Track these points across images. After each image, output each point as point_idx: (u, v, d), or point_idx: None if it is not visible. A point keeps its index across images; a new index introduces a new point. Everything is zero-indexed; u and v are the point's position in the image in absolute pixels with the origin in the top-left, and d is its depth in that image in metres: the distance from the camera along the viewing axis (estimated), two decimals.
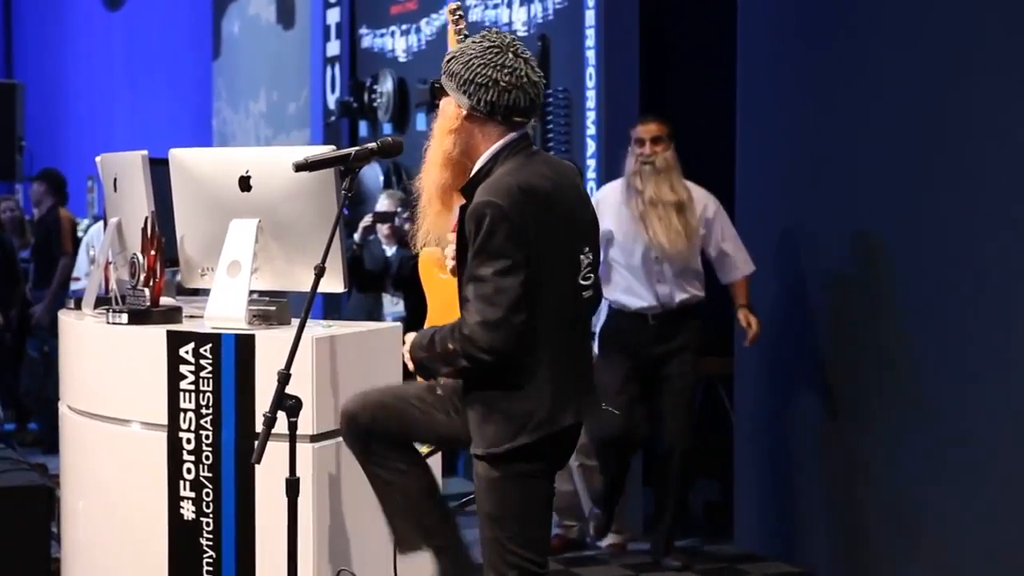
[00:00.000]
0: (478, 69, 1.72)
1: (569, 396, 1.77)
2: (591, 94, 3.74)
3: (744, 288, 3.18)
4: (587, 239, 1.84)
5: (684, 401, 3.18)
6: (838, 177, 3.13)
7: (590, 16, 3.64)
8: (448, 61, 1.80)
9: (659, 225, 2.96)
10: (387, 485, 1.88)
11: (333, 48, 5.55)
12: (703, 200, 3.15)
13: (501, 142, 1.76)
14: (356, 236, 3.86)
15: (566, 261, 1.78)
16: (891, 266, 2.97)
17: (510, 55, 1.74)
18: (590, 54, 3.72)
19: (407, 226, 3.90)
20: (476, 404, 1.77)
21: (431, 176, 1.85)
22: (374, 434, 1.86)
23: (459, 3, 2.21)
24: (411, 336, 1.87)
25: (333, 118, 5.52)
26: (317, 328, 2.12)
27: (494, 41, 1.76)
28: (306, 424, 1.88)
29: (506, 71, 1.72)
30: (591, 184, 3.63)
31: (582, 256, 1.81)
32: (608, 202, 3.13)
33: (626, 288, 3.13)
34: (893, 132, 2.97)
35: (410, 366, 1.86)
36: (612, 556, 3.32)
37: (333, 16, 5.52)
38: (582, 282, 1.81)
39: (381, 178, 4.79)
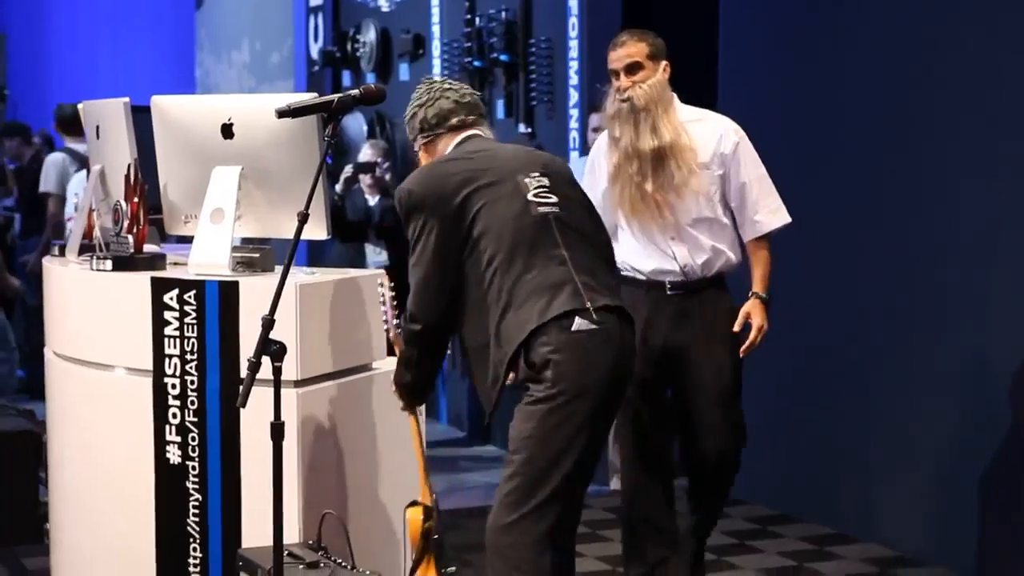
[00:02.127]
0: (408, 112, 2.10)
1: (560, 292, 1.86)
2: (574, 44, 3.74)
3: (762, 260, 2.40)
4: (533, 167, 1.99)
5: (726, 382, 2.38)
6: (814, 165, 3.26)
7: None
8: (413, 115, 2.09)
9: (627, 186, 2.30)
10: None
11: None
12: (717, 131, 2.38)
13: (449, 147, 2.03)
14: (338, 187, 3.87)
15: (507, 194, 1.91)
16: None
17: (423, 87, 2.09)
18: (572, 3, 3.74)
19: (388, 176, 3.99)
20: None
21: None
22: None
23: None
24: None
25: (316, 68, 5.54)
26: (300, 274, 2.13)
27: (429, 86, 2.10)
28: (290, 369, 1.90)
29: (419, 97, 2.07)
30: (573, 134, 3.64)
31: (527, 179, 1.94)
32: (599, 160, 2.47)
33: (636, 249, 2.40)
34: (860, 131, 3.16)
35: (401, 403, 2.05)
36: None
37: None
38: (534, 199, 1.92)
39: (365, 128, 4.82)
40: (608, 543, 3.15)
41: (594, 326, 1.84)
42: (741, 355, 2.34)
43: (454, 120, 2.03)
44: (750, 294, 2.37)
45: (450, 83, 2.13)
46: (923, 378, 3.01)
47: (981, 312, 2.85)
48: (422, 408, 2.12)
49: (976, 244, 2.84)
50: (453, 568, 2.01)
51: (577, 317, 1.83)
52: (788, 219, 2.41)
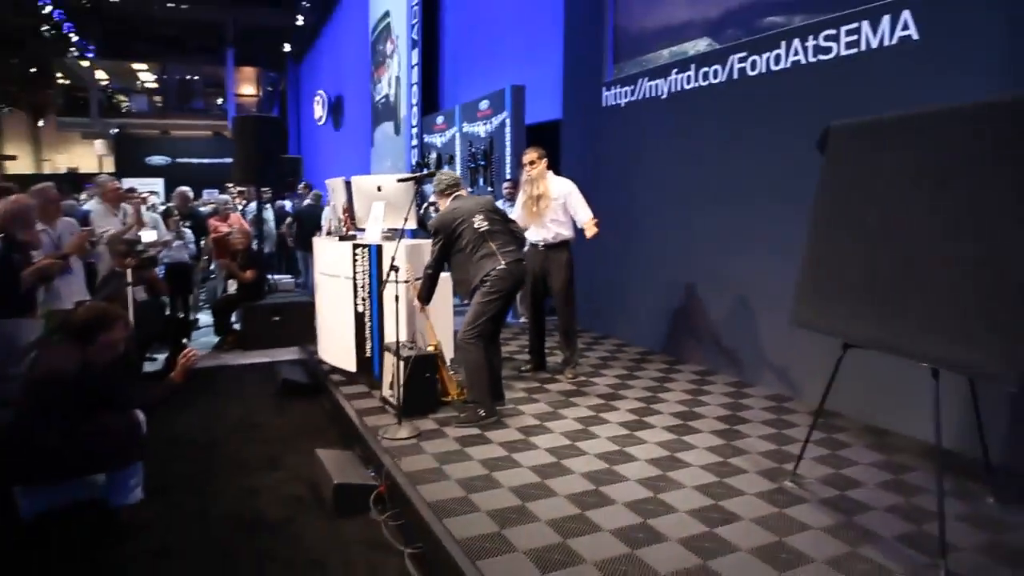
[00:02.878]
0: (435, 182, 5.08)
1: (491, 259, 5.13)
2: (508, 158, 8.27)
3: (588, 225, 5.24)
4: (478, 212, 4.78)
5: (565, 285, 5.50)
6: (618, 195, 6.51)
7: (507, 131, 8.37)
8: (433, 190, 5.17)
9: (528, 208, 5.40)
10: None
11: (414, 142, 11.92)
12: (564, 188, 5.43)
13: (447, 203, 5.02)
14: (421, 211, 7.69)
15: (469, 222, 4.90)
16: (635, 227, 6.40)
17: (442, 174, 5.11)
18: (507, 143, 8.27)
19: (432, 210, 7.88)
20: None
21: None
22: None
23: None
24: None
25: (414, 166, 11.68)
26: (406, 241, 5.68)
27: (440, 173, 5.16)
28: (403, 275, 5.43)
29: (439, 177, 4.99)
30: (505, 192, 7.79)
31: (477, 216, 4.85)
32: (520, 198, 5.68)
33: (531, 233, 5.52)
34: (645, 184, 6.33)
35: (418, 302, 5.13)
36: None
37: (414, 131, 12.16)
38: (479, 226, 4.91)
39: (431, 187, 9.26)
40: (519, 342, 6.61)
41: (505, 268, 5.22)
42: (589, 236, 5.23)
43: (452, 186, 4.94)
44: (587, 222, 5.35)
45: (451, 173, 5.22)
46: (654, 261, 6.27)
47: (679, 252, 6.08)
48: (430, 306, 5.54)
49: (673, 223, 6.04)
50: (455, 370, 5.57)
51: (498, 266, 5.19)
52: (592, 216, 5.38)
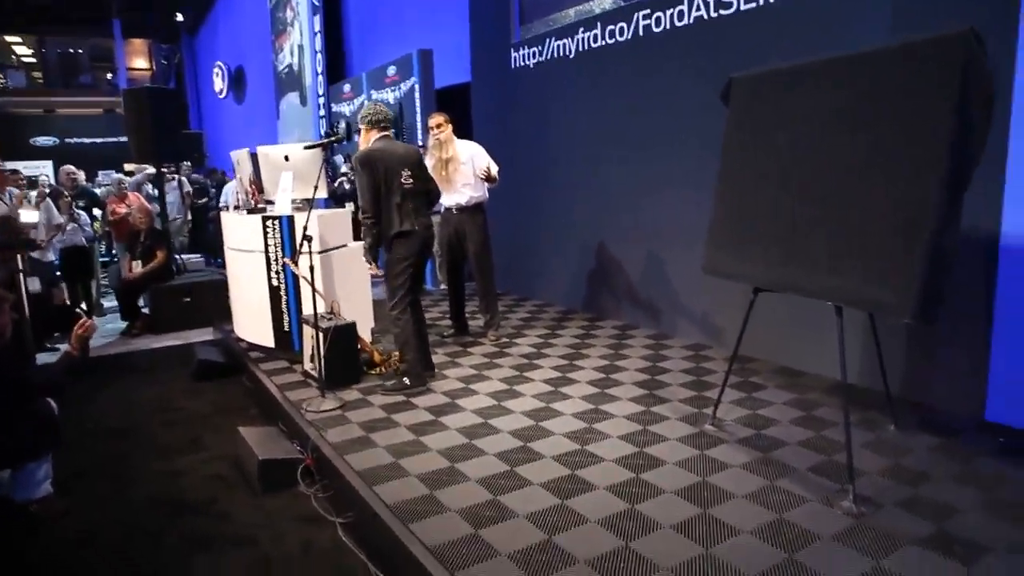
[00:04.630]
0: (367, 113, 4.95)
1: (407, 218, 5.09)
2: (418, 124, 7.98)
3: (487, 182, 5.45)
4: (405, 167, 4.70)
5: (481, 248, 5.55)
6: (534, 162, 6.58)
7: (416, 96, 8.18)
8: (361, 115, 5.10)
9: (438, 172, 5.30)
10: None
11: (321, 112, 11.88)
12: (470, 150, 5.47)
13: (374, 136, 4.95)
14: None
15: (395, 175, 4.89)
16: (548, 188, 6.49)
17: (379, 107, 4.98)
18: (417, 110, 8.17)
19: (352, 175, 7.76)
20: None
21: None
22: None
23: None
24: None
25: (323, 135, 11.66)
26: (318, 211, 5.58)
27: (372, 105, 5.07)
28: (315, 246, 5.35)
29: (375, 111, 4.89)
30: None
31: (403, 171, 4.84)
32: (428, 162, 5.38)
33: (445, 197, 5.46)
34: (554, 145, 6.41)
35: (370, 264, 4.92)
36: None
37: (321, 100, 12.13)
38: (403, 182, 4.89)
39: (342, 157, 9.17)
40: (440, 308, 6.65)
41: (415, 232, 5.13)
42: (483, 178, 5.43)
43: (384, 121, 4.67)
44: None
45: (384, 108, 4.91)
46: (569, 220, 6.40)
47: (593, 209, 6.21)
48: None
49: (585, 180, 6.17)
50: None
51: (409, 229, 5.01)
52: (496, 168, 5.51)
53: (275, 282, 5.58)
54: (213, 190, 12.06)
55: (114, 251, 9.02)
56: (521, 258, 7.46)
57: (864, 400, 4.20)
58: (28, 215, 6.30)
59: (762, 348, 5.00)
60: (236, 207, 6.17)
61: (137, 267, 7.61)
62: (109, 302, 8.88)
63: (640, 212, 5.98)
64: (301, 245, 4.64)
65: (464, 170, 5.56)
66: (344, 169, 8.78)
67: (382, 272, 4.73)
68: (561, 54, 6.68)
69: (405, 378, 4.65)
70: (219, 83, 22.21)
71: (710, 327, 5.54)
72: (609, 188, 6.28)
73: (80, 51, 32.36)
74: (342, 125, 10.71)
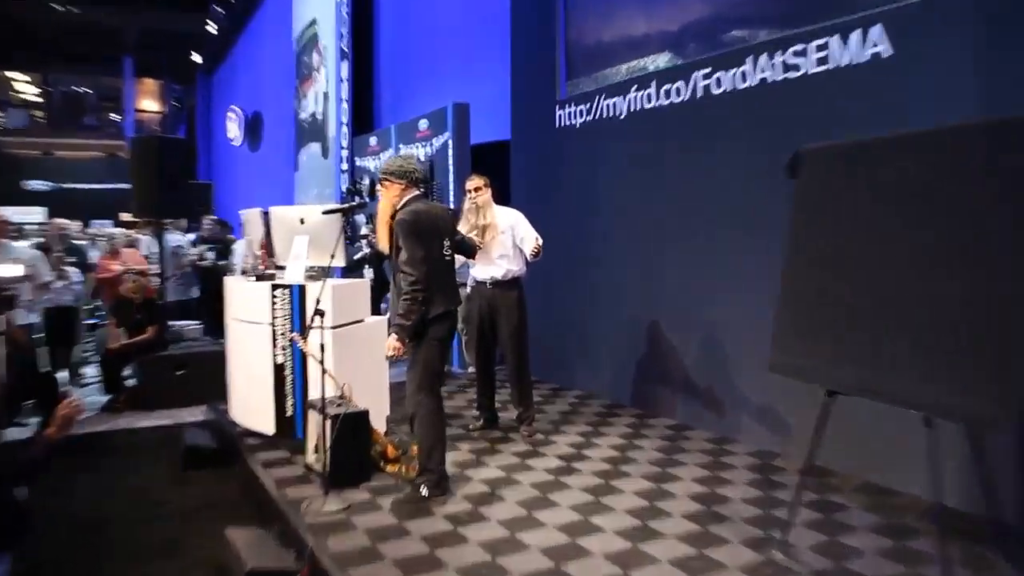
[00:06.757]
0: (406, 167, 4.89)
1: (446, 297, 4.87)
2: (452, 184, 8.33)
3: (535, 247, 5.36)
4: (445, 235, 4.64)
5: (517, 329, 5.54)
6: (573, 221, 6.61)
7: (450, 153, 8.31)
8: (386, 168, 4.97)
9: (475, 238, 5.25)
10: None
11: (344, 166, 12.53)
12: (509, 218, 5.52)
13: (411, 194, 4.89)
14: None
15: (437, 243, 4.82)
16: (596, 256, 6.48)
17: (414, 161, 4.98)
18: (450, 167, 8.33)
19: (373, 239, 7.89)
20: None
21: (384, 218, 5.25)
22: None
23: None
24: (389, 341, 4.48)
25: (344, 196, 11.82)
26: (334, 281, 5.60)
27: (403, 155, 5.16)
28: (328, 321, 5.35)
29: (414, 165, 4.88)
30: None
31: (444, 240, 4.73)
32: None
33: (477, 269, 5.62)
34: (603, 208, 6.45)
35: (391, 349, 4.42)
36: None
37: (344, 153, 12.83)
38: (444, 253, 4.85)
39: (364, 218, 9.32)
40: (467, 396, 6.57)
41: (452, 311, 4.96)
42: (532, 253, 5.36)
43: (423, 181, 4.62)
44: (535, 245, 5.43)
45: (422, 163, 5.25)
46: (617, 300, 6.32)
47: (644, 289, 6.15)
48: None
49: (636, 256, 6.11)
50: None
51: (443, 310, 4.97)
52: (540, 240, 5.42)
53: (280, 359, 5.58)
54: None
55: (101, 313, 9.16)
56: (561, 341, 7.41)
57: (969, 529, 4.00)
58: (5, 269, 6.40)
59: (843, 459, 4.84)
60: (244, 271, 6.25)
61: (122, 337, 7.69)
62: (91, 370, 8.97)
63: (700, 295, 5.92)
64: (312, 319, 4.61)
65: (503, 240, 5.58)
66: (364, 231, 8.86)
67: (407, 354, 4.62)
68: (611, 114, 6.76)
69: (423, 488, 4.53)
70: (233, 129, 22.90)
71: (780, 431, 5.39)
72: (664, 266, 6.24)
73: (88, 91, 33.71)
74: (365, 181, 10.87)
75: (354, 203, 5.25)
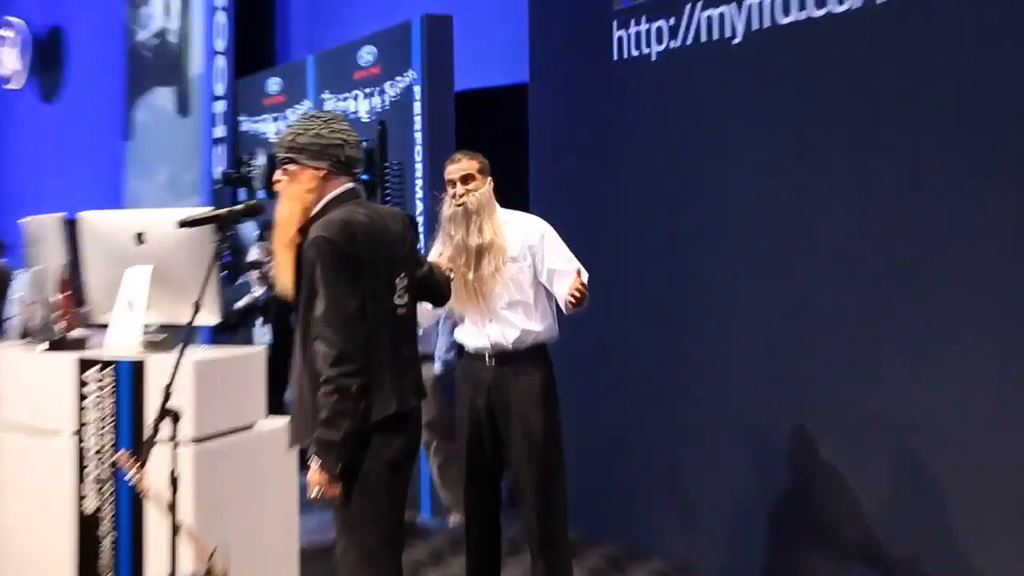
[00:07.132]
0: (328, 137, 2.65)
1: (404, 385, 2.72)
2: (419, 165, 5.71)
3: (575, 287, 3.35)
4: (400, 267, 2.74)
5: (543, 443, 3.35)
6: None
7: (417, 107, 5.79)
8: (291, 139, 2.74)
9: (457, 278, 3.23)
10: None
11: (219, 132, 8.45)
12: (523, 229, 3.43)
13: (337, 189, 2.69)
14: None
15: (384, 281, 2.73)
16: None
17: (344, 125, 2.70)
18: (417, 135, 5.75)
19: (271, 271, 5.38)
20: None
21: (286, 233, 2.82)
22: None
23: None
24: (311, 472, 2.61)
25: (218, 186, 8.04)
26: (198, 351, 3.11)
27: (323, 115, 2.73)
28: (188, 429, 2.85)
29: (343, 136, 2.68)
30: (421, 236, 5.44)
31: (398, 274, 2.72)
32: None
33: (466, 329, 3.45)
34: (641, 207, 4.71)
35: (315, 485, 2.63)
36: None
37: (220, 106, 8.47)
38: (397, 301, 2.78)
39: (256, 232, 6.56)
40: (449, 569, 4.33)
41: (413, 412, 2.79)
42: (572, 297, 3.20)
43: (354, 164, 2.74)
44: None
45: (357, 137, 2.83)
46: (731, 384, 4.24)
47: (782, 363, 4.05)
48: None
49: (767, 302, 4.10)
50: None
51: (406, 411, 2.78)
52: (586, 274, 3.35)
53: (92, 503, 3.27)
54: None
55: None
56: (625, 468, 4.85)
57: None
58: None
59: None
60: (25, 331, 3.59)
61: None
62: None
63: (886, 373, 3.66)
64: (157, 426, 2.68)
65: (514, 274, 3.38)
66: (256, 254, 5.91)
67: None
68: (715, 35, 4.43)
69: None
70: (10, 59, 15.58)
71: None
72: (820, 313, 3.88)
73: None
74: (260, 161, 7.25)
75: (237, 205, 3.06)
